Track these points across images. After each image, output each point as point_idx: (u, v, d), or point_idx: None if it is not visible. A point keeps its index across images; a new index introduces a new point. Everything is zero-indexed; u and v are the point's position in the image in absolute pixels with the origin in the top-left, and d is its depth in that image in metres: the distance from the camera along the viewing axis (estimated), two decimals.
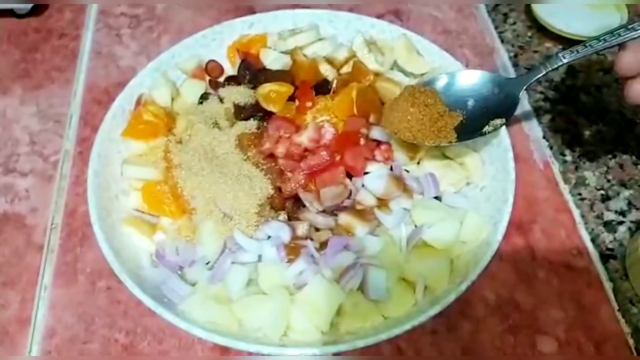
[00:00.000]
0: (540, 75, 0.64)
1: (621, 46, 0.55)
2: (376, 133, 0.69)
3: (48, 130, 0.82)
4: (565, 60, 0.61)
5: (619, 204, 0.73)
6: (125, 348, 0.63)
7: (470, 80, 0.68)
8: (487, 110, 0.66)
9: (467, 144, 0.72)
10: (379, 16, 0.85)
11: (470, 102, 0.67)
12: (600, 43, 0.58)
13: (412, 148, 0.68)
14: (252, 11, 0.83)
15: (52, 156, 0.80)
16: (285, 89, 0.70)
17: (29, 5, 0.95)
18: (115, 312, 0.65)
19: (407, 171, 0.69)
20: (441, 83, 0.68)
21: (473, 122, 0.66)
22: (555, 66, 0.62)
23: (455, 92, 0.68)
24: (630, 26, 0.55)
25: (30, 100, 0.86)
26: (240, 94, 0.73)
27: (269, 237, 0.63)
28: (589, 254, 0.69)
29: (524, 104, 0.84)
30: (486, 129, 0.65)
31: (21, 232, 0.72)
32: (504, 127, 0.67)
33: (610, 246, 0.69)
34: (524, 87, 0.65)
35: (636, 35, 0.54)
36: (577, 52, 0.60)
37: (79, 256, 0.70)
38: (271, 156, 0.68)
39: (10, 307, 0.66)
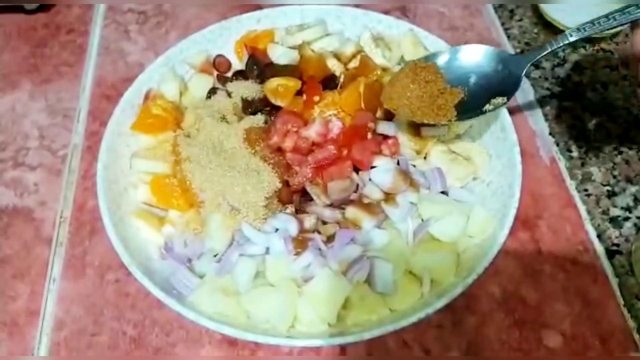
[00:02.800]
0: (545, 52, 0.62)
1: (633, 25, 0.54)
2: (383, 127, 0.69)
3: (57, 125, 0.83)
4: (572, 39, 0.59)
5: (625, 199, 0.73)
6: (134, 340, 0.64)
7: (473, 56, 0.66)
8: (488, 88, 0.64)
9: (473, 137, 0.72)
10: (386, 12, 0.85)
11: (472, 79, 0.65)
12: (609, 21, 0.56)
13: (419, 143, 0.68)
14: (258, 8, 0.83)
15: (60, 150, 0.80)
16: (293, 83, 0.71)
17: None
18: (123, 304, 0.66)
19: (414, 166, 0.69)
20: (443, 59, 0.67)
21: (474, 100, 0.64)
22: (562, 44, 0.61)
23: (457, 68, 0.66)
24: None
25: (39, 95, 0.87)
26: (248, 89, 0.73)
27: (277, 230, 0.63)
28: (594, 250, 0.69)
29: (531, 100, 0.84)
30: (487, 107, 0.64)
31: (30, 225, 0.73)
32: (510, 122, 0.68)
33: (616, 242, 0.69)
34: (528, 65, 0.64)
35: None
36: (585, 30, 0.58)
37: (88, 249, 0.71)
38: (279, 150, 0.68)
39: (20, 299, 0.67)
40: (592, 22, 0.58)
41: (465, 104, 0.65)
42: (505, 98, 0.64)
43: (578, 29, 0.59)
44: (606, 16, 0.56)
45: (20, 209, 0.75)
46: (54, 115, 0.84)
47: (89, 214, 0.73)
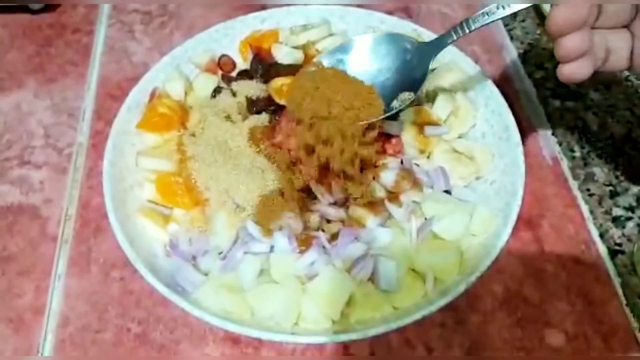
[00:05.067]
0: (452, 41, 0.60)
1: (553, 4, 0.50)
2: (387, 127, 0.69)
3: (62, 124, 0.84)
4: (474, 26, 0.57)
5: (627, 199, 0.73)
6: (138, 337, 0.64)
7: (380, 45, 0.64)
8: (395, 82, 0.62)
9: (476, 137, 0.72)
10: (389, 12, 0.85)
11: (381, 73, 0.63)
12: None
13: (422, 142, 0.69)
14: (262, 8, 0.84)
15: (66, 149, 0.81)
16: None
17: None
18: (128, 301, 0.66)
19: (417, 165, 0.69)
20: (350, 51, 0.64)
21: (382, 96, 0.61)
22: (467, 31, 0.58)
23: (365, 60, 0.63)
24: None
25: (44, 93, 0.87)
26: (252, 88, 0.74)
27: (281, 227, 0.64)
28: (597, 249, 0.69)
29: (533, 100, 0.84)
30: (394, 103, 0.62)
31: (35, 223, 0.73)
32: (514, 122, 0.68)
33: (618, 241, 0.70)
34: (435, 55, 0.61)
35: None
36: (487, 15, 0.56)
37: (93, 247, 0.71)
38: (283, 148, 0.68)
39: (25, 296, 0.67)
40: (497, 6, 0.55)
41: None
42: (412, 93, 0.62)
43: (483, 14, 0.57)
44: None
45: (26, 207, 0.75)
46: (59, 114, 0.85)
47: (94, 211, 0.74)
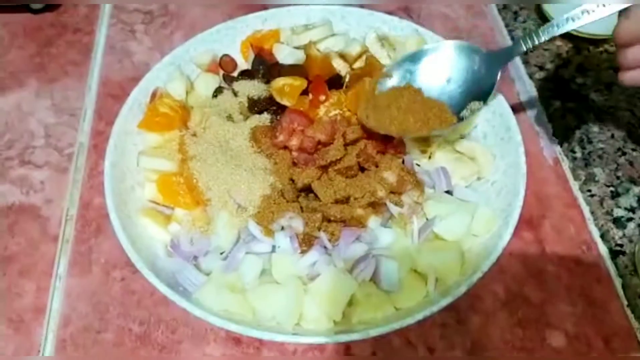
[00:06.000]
0: (522, 52, 0.62)
1: (621, 13, 0.54)
2: None
3: (63, 124, 0.84)
4: (544, 37, 0.59)
5: (628, 200, 0.73)
6: (139, 337, 0.64)
7: (449, 54, 0.65)
8: (466, 90, 0.64)
9: (477, 137, 0.72)
10: (390, 13, 0.85)
11: (450, 82, 0.64)
12: (584, 15, 0.56)
13: (423, 142, 0.69)
14: (263, 8, 0.84)
15: (66, 149, 0.81)
16: (299, 82, 0.71)
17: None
18: (129, 302, 0.66)
19: (419, 165, 0.69)
20: (419, 61, 0.66)
21: (452, 106, 0.64)
22: (537, 42, 0.60)
23: (434, 70, 0.65)
24: None
25: (45, 93, 0.87)
26: (254, 88, 0.74)
27: (282, 228, 0.64)
28: (598, 250, 0.69)
29: (535, 101, 0.84)
30: (464, 113, 0.63)
31: (36, 222, 0.73)
32: (515, 123, 0.68)
33: (619, 242, 0.70)
34: (505, 63, 0.62)
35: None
36: (559, 26, 0.58)
37: (94, 247, 0.71)
38: (285, 148, 0.68)
39: (26, 296, 0.67)
40: (566, 18, 0.57)
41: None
42: (482, 102, 0.63)
43: (553, 25, 0.58)
44: (582, 11, 0.56)
45: (27, 207, 0.75)
46: (60, 114, 0.85)
47: (94, 211, 0.74)
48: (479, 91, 0.64)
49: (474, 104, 0.63)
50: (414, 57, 0.68)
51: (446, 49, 0.66)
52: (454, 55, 0.66)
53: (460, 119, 0.63)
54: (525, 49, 0.61)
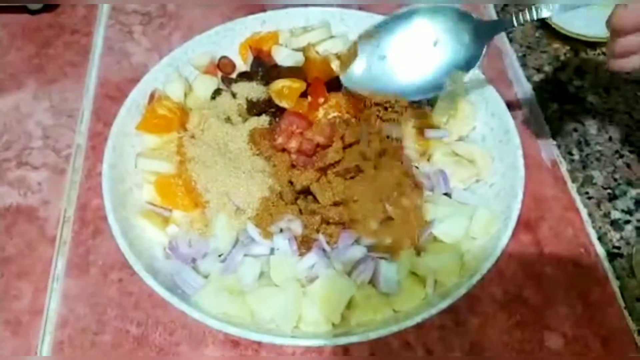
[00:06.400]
0: (513, 27, 0.61)
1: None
2: (387, 129, 0.69)
3: (61, 125, 0.83)
4: (543, 13, 0.58)
5: (626, 203, 0.73)
6: (137, 339, 0.64)
7: (439, 16, 0.64)
8: (448, 58, 0.62)
9: (476, 139, 0.72)
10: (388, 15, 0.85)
11: (436, 45, 0.63)
12: None
13: (422, 145, 0.69)
14: (262, 9, 0.84)
15: (64, 150, 0.81)
16: (298, 84, 0.71)
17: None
18: (126, 303, 0.66)
19: (417, 167, 0.69)
20: (408, 20, 0.65)
21: (434, 73, 0.62)
22: (529, 18, 0.59)
23: (421, 29, 0.64)
24: None
25: (43, 94, 0.87)
26: (252, 90, 0.74)
27: (281, 230, 0.64)
28: (596, 252, 0.69)
29: (533, 103, 0.84)
30: (446, 81, 0.63)
31: (34, 224, 0.73)
32: (514, 125, 0.68)
33: (617, 244, 0.70)
34: (493, 36, 0.61)
35: None
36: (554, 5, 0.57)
37: (91, 249, 0.71)
38: (283, 151, 0.68)
39: (24, 297, 0.67)
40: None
41: (425, 78, 0.64)
42: (464, 72, 0.62)
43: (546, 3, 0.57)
44: None
45: (24, 208, 0.75)
46: (58, 115, 0.85)
47: (92, 213, 0.74)
48: (462, 60, 0.63)
49: (456, 73, 0.62)
50: (401, 17, 0.66)
51: (437, 12, 0.64)
52: (440, 17, 0.64)
53: (441, 86, 0.62)
54: (516, 24, 0.60)
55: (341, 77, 0.69)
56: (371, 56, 0.69)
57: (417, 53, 0.64)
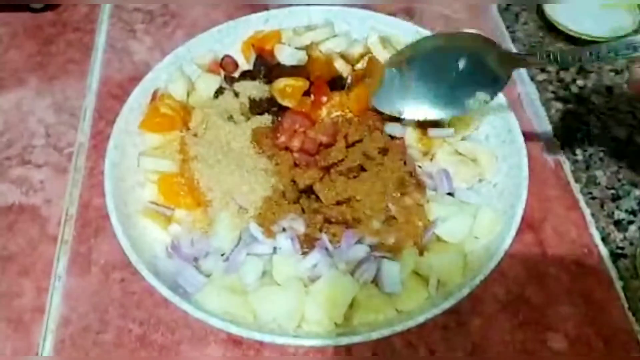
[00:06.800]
0: (536, 63, 0.63)
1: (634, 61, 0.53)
2: (390, 128, 0.69)
3: (63, 123, 0.83)
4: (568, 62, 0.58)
5: (629, 203, 0.73)
6: (139, 338, 0.64)
7: (466, 41, 0.66)
8: (475, 80, 0.65)
9: (479, 139, 0.72)
10: (391, 14, 0.85)
11: (461, 65, 0.65)
12: (610, 54, 0.54)
13: (426, 144, 0.69)
14: (265, 8, 0.84)
15: (66, 148, 0.80)
16: (301, 83, 0.71)
17: None
18: (129, 302, 0.66)
19: (420, 167, 0.69)
20: (433, 42, 0.68)
21: (460, 90, 0.65)
22: (552, 61, 0.59)
23: (448, 51, 0.66)
24: None
25: (45, 92, 0.87)
26: (255, 89, 0.74)
27: (284, 229, 0.63)
28: (599, 253, 0.69)
29: (536, 103, 0.84)
30: (471, 102, 0.64)
31: (36, 223, 0.73)
32: (517, 125, 0.68)
33: (620, 245, 0.70)
34: (518, 67, 0.64)
35: None
36: (582, 57, 0.56)
37: (93, 247, 0.71)
38: (286, 149, 0.68)
39: (25, 296, 0.67)
40: (591, 51, 0.55)
41: (450, 93, 0.65)
42: (489, 96, 0.64)
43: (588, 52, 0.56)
44: (616, 53, 0.54)
45: (26, 207, 0.75)
46: (60, 113, 0.84)
47: (94, 212, 0.74)
48: (487, 85, 0.65)
49: (481, 95, 0.64)
50: (429, 39, 0.68)
51: (462, 38, 0.67)
52: (471, 44, 0.66)
53: (466, 107, 0.64)
54: (542, 62, 0.61)
55: (370, 100, 0.71)
56: (399, 79, 0.71)
57: (442, 76, 0.67)
